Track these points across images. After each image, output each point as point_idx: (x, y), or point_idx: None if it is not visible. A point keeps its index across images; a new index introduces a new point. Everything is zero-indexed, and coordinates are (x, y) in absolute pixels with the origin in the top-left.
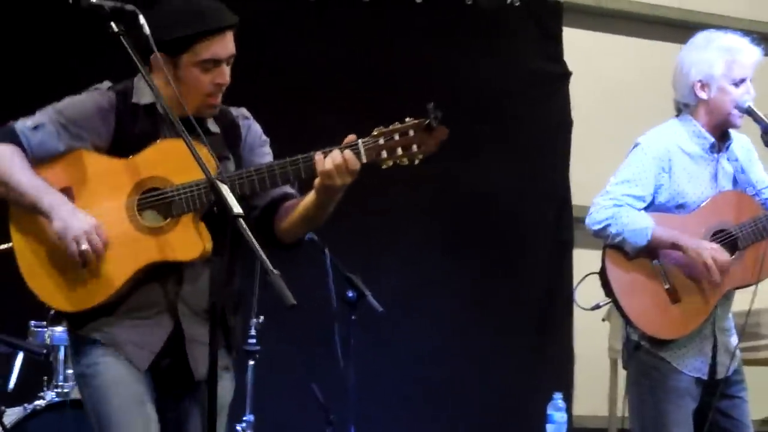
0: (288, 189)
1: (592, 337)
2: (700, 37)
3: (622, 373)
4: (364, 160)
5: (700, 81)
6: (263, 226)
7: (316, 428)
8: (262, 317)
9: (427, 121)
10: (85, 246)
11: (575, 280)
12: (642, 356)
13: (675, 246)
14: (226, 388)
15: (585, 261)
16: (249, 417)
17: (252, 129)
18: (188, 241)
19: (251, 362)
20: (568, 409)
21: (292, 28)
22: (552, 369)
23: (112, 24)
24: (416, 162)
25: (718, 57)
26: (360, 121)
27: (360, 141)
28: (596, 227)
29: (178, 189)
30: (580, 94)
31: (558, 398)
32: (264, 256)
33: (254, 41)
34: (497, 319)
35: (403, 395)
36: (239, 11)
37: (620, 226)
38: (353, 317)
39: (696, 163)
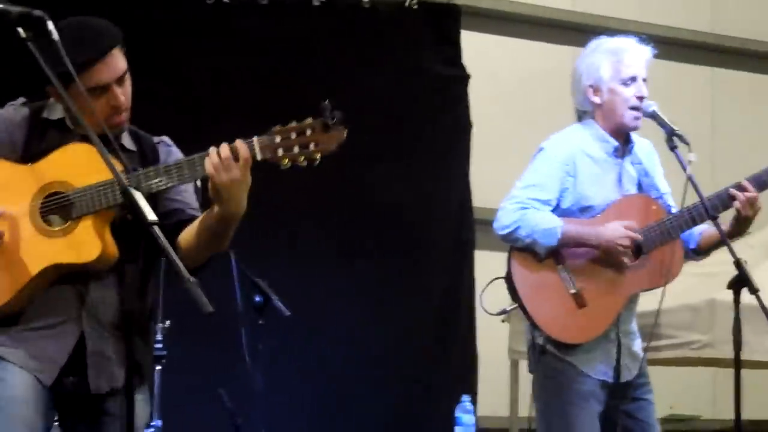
0: (197, 213)
1: (492, 339)
2: (591, 44)
3: (522, 374)
4: (259, 157)
5: (591, 86)
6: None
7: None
8: (168, 321)
9: (324, 121)
10: None
11: (477, 282)
12: (548, 360)
13: (585, 239)
14: (138, 413)
15: (486, 263)
16: (157, 422)
17: (172, 154)
18: (87, 244)
19: (158, 367)
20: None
21: (190, 33)
22: (456, 372)
23: (20, 30)
24: (315, 162)
25: (604, 59)
26: (260, 125)
27: (255, 138)
28: (505, 231)
29: (79, 191)
30: (478, 96)
31: (466, 401)
32: (180, 263)
33: (152, 46)
34: (402, 323)
35: (310, 399)
36: (135, 18)
37: (529, 228)
38: (260, 322)
39: (600, 167)
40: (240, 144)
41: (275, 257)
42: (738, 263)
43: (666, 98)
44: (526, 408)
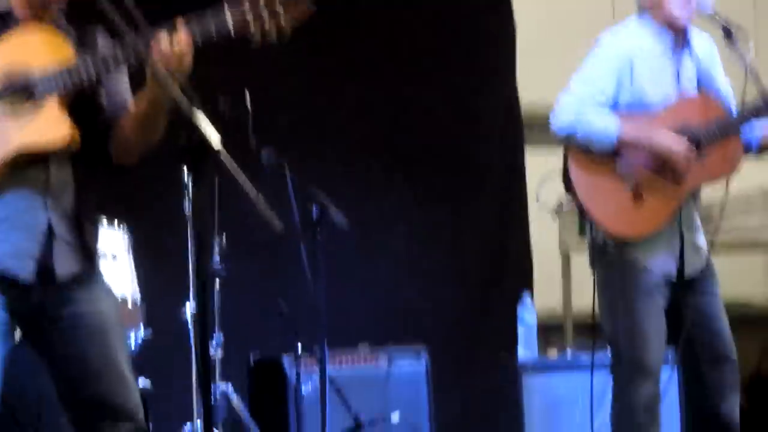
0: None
1: (542, 232)
2: None
3: (575, 268)
4: (230, 26)
5: None
6: (102, 145)
7: (286, 342)
8: (224, 236)
9: None
10: None
11: (528, 179)
12: (609, 257)
13: (642, 143)
14: (101, 302)
15: (534, 160)
16: (219, 336)
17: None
18: (55, 125)
19: (217, 282)
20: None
21: None
22: (514, 269)
23: None
24: (286, 32)
25: None
26: (302, 47)
27: (226, 4)
28: (563, 133)
29: (42, 72)
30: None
31: (527, 298)
32: (248, 182)
33: None
34: (457, 223)
35: (371, 306)
36: None
37: (586, 131)
38: (318, 236)
39: (657, 62)
40: (183, 30)
41: (329, 175)
42: None
43: None
44: (579, 302)
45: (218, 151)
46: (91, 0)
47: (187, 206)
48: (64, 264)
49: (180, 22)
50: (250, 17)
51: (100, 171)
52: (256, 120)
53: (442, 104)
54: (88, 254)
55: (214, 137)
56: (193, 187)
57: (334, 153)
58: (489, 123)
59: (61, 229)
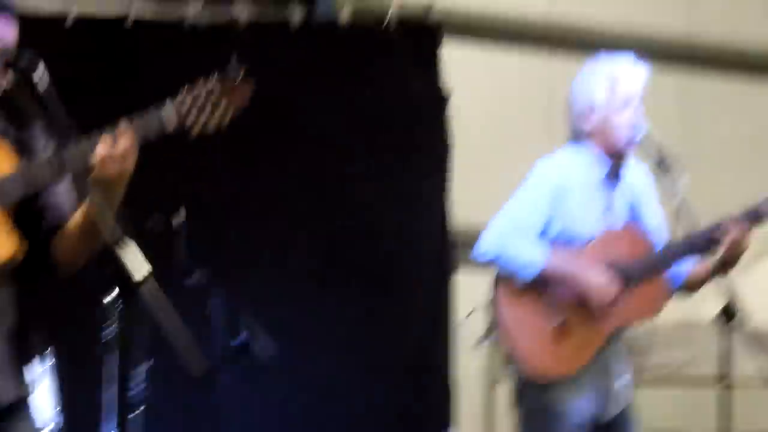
0: (73, 211)
1: (469, 360)
2: (588, 66)
3: (500, 398)
4: (174, 122)
5: (585, 109)
6: (41, 252)
7: None
8: (149, 363)
9: (231, 76)
10: None
11: (459, 306)
12: (531, 395)
13: (565, 278)
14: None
15: (467, 285)
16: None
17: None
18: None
19: (137, 410)
20: None
21: (167, 57)
22: (436, 401)
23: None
24: (226, 121)
25: (599, 82)
26: (237, 150)
27: (168, 101)
28: (486, 257)
29: None
30: (459, 111)
31: None
32: (174, 322)
33: (131, 71)
34: (381, 350)
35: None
36: (114, 42)
37: (510, 258)
38: (242, 360)
39: (591, 193)
40: (125, 132)
41: (250, 288)
42: (728, 295)
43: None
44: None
45: (142, 282)
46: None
47: (113, 332)
48: (4, 390)
49: (122, 123)
50: (192, 110)
51: (40, 286)
52: (188, 238)
53: (373, 221)
54: (22, 382)
55: (140, 268)
56: (118, 314)
57: (266, 273)
58: (420, 243)
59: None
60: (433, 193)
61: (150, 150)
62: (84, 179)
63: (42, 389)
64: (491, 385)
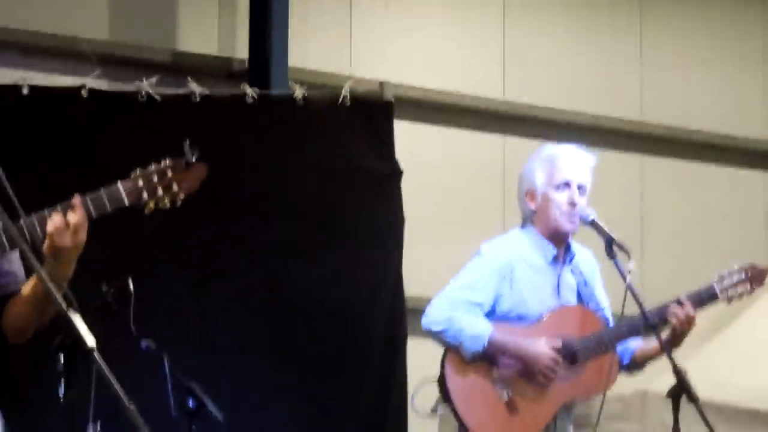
0: (23, 284)
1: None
2: (535, 152)
3: None
4: (126, 203)
5: (527, 192)
6: None
7: None
8: (99, 423)
9: (185, 160)
10: None
11: (411, 377)
12: None
13: (511, 351)
14: None
15: (419, 354)
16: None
17: None
18: None
19: None
20: None
21: (119, 130)
22: None
23: None
24: (178, 203)
25: (539, 166)
26: (189, 220)
27: (120, 183)
28: (434, 328)
29: None
30: (411, 185)
31: None
32: (121, 391)
33: (83, 142)
34: (331, 425)
35: None
36: (64, 115)
37: (457, 330)
38: (193, 427)
39: (538, 274)
40: (79, 206)
41: (198, 357)
42: (677, 372)
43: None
44: None
45: (91, 350)
46: None
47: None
48: None
49: (75, 199)
50: (144, 193)
51: None
52: (138, 306)
53: (324, 294)
54: None
55: (88, 338)
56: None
57: (216, 333)
58: (372, 315)
59: None
60: (386, 265)
61: (99, 220)
62: (37, 251)
63: None
64: None
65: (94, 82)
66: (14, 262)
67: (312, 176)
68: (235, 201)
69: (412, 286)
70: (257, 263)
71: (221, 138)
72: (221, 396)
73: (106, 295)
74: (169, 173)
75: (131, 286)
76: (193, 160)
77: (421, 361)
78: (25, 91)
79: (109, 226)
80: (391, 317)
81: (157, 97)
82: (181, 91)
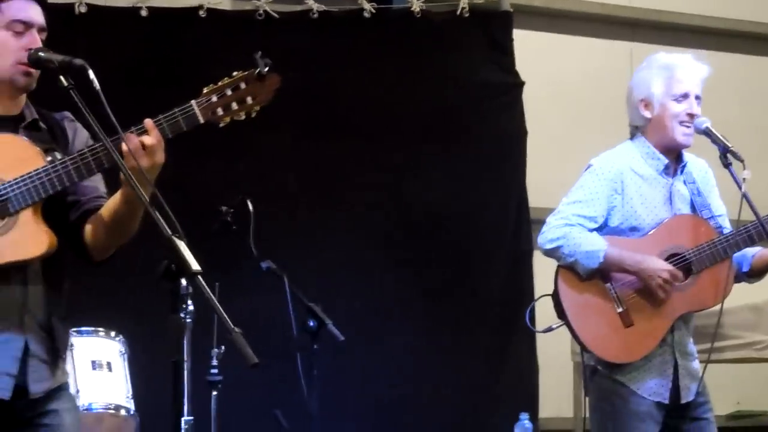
0: (105, 200)
1: (556, 338)
2: (647, 59)
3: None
4: (201, 121)
5: (642, 100)
6: (74, 240)
7: None
8: (223, 347)
9: (258, 71)
10: None
11: (536, 288)
12: (600, 381)
13: (627, 267)
14: (67, 413)
15: (545, 267)
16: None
17: (79, 132)
18: (33, 238)
19: (214, 393)
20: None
21: (240, 48)
22: (517, 384)
23: (62, 78)
24: (253, 114)
25: (656, 75)
26: (306, 140)
27: (193, 102)
28: (548, 246)
29: (12, 184)
30: (532, 96)
31: (525, 419)
32: (225, 315)
33: (200, 61)
34: (460, 334)
35: (366, 420)
36: (183, 35)
37: (572, 247)
38: (315, 346)
39: (649, 185)
40: (152, 128)
41: (330, 273)
42: None
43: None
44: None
45: (195, 274)
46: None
47: (185, 317)
48: (38, 382)
49: (147, 122)
50: (219, 108)
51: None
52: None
53: (449, 205)
54: (59, 368)
55: (192, 263)
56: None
57: (336, 252)
58: (497, 226)
59: (35, 347)
60: (509, 178)
61: (215, 142)
62: (117, 171)
63: (115, 371)
64: (576, 362)
65: (211, 1)
66: (94, 180)
67: (432, 90)
68: (354, 118)
69: (536, 198)
70: (380, 180)
71: (340, 54)
72: (351, 309)
73: (226, 216)
74: (242, 86)
75: (251, 207)
76: (266, 70)
77: (548, 275)
78: (143, 12)
79: (227, 148)
80: (516, 229)
81: (275, 15)
82: (298, 8)
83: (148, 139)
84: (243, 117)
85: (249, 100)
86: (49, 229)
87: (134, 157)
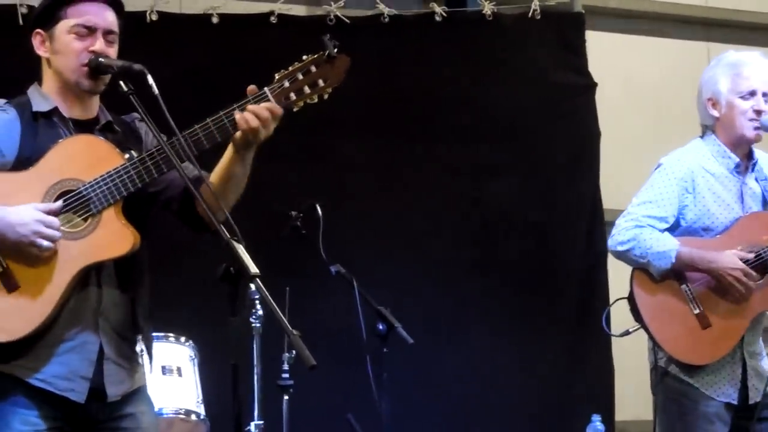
0: (197, 173)
1: (635, 340)
2: (715, 58)
3: None
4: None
5: (710, 99)
6: (187, 215)
7: None
8: (293, 351)
9: (327, 53)
10: (42, 241)
11: (611, 290)
12: (670, 382)
13: (699, 266)
14: (145, 416)
15: (620, 270)
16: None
17: (143, 128)
18: (117, 236)
19: (285, 397)
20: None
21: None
22: (592, 386)
23: (122, 83)
24: (325, 96)
25: (723, 73)
26: (380, 144)
27: (267, 89)
28: (619, 249)
29: (92, 184)
30: (606, 97)
31: (596, 420)
32: (283, 318)
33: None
34: (534, 337)
35: (437, 423)
36: (252, 40)
37: (643, 249)
38: (385, 350)
39: (721, 184)
40: (272, 106)
41: (403, 276)
42: None
43: None
44: None
45: (254, 277)
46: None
47: (254, 321)
48: (114, 385)
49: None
50: (292, 93)
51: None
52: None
53: (520, 209)
54: (137, 371)
55: (251, 266)
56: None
57: (410, 255)
58: (571, 229)
59: (110, 350)
60: (583, 179)
61: (289, 147)
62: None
63: (186, 376)
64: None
65: (283, 7)
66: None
67: (504, 92)
68: (427, 121)
69: (610, 199)
70: (454, 182)
71: (411, 58)
72: (426, 314)
73: (296, 221)
74: (313, 69)
75: (320, 212)
76: (335, 51)
77: (623, 278)
78: (215, 20)
79: (298, 151)
80: (590, 231)
81: (347, 20)
82: (369, 12)
83: (270, 107)
84: (316, 100)
85: (321, 82)
86: (131, 226)
87: (249, 128)
